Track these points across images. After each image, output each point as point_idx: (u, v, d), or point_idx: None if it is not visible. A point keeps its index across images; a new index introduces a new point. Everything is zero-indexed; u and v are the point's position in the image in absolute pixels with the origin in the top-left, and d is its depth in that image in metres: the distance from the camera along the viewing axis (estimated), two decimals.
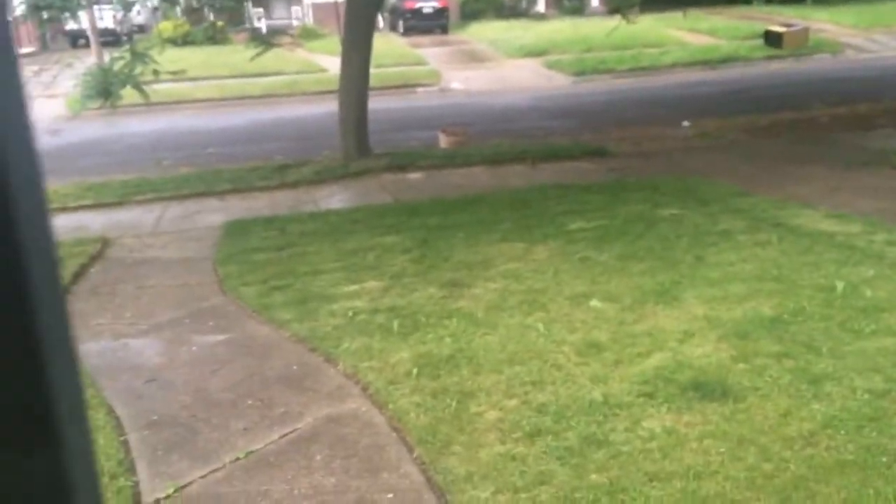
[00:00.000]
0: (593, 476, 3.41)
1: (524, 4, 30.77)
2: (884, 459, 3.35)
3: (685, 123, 12.59)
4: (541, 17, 29.58)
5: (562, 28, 25.79)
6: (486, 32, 26.76)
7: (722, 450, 3.52)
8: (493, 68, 22.23)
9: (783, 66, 20.03)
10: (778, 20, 23.78)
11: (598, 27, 23.39)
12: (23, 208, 0.40)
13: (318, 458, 3.76)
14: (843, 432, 3.56)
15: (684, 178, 8.80)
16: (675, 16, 23.78)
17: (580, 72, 20.24)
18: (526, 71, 21.40)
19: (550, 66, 21.32)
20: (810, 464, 3.36)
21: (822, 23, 24.19)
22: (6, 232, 0.40)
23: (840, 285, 5.19)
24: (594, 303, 5.29)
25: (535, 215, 7.57)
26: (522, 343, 4.75)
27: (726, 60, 20.87)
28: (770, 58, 20.97)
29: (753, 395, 3.95)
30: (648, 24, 22.27)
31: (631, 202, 7.82)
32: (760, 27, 22.92)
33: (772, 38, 21.79)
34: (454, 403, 4.10)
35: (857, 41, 22.50)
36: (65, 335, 0.43)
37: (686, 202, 7.67)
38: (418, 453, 3.71)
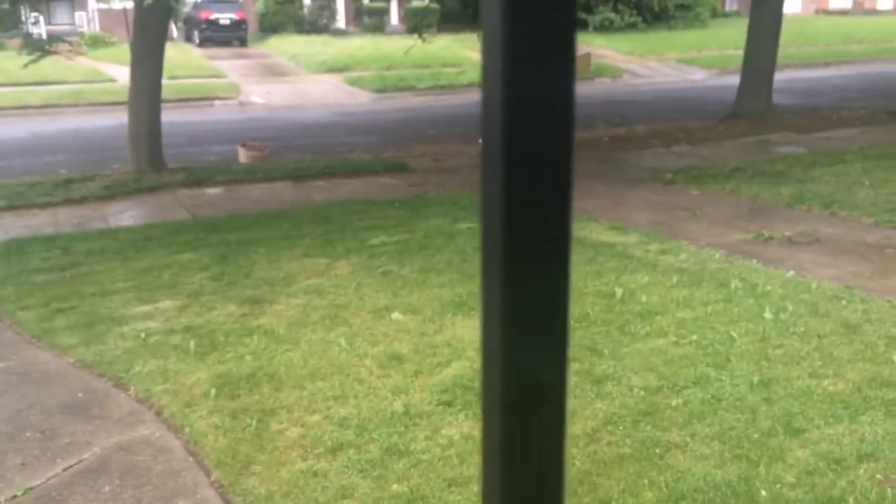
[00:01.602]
0: (395, 486, 3.47)
1: (324, 20, 30.76)
2: (657, 451, 3.66)
3: (481, 140, 13.09)
4: (341, 33, 29.68)
5: (363, 45, 26.01)
6: (287, 46, 26.47)
7: None
8: (295, 83, 22.04)
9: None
10: None
11: (399, 45, 23.81)
12: None
13: (107, 489, 3.55)
14: (621, 428, 3.85)
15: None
16: (471, 37, 24.68)
17: (381, 89, 20.52)
18: (327, 86, 21.40)
19: (352, 82, 21.45)
20: (593, 459, 3.61)
21: (603, 49, 26.05)
22: None
23: (619, 292, 5.61)
24: (396, 316, 5.38)
25: (338, 230, 7.59)
26: (325, 358, 4.75)
27: None
28: None
29: None
30: (446, 44, 22.97)
31: (431, 216, 8.02)
32: None
33: None
34: (254, 423, 4.02)
35: (633, 67, 24.45)
36: None
37: None
38: (216, 476, 3.61)
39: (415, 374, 4.50)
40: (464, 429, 3.90)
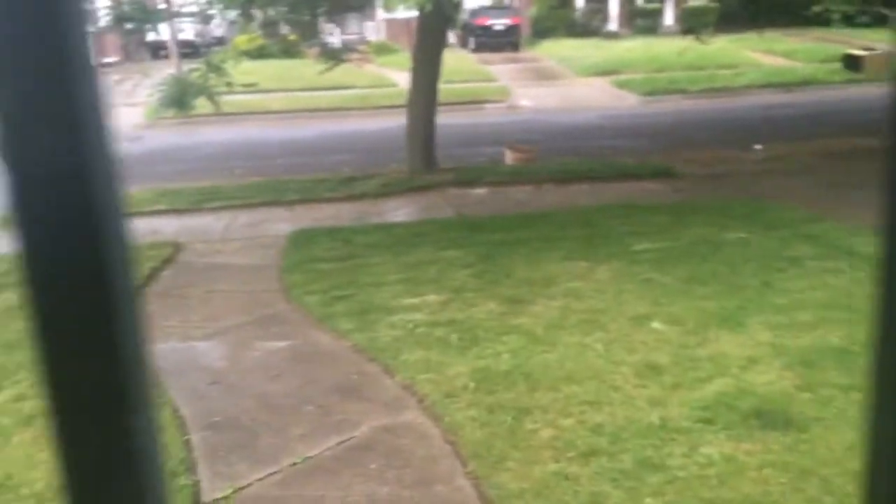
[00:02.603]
0: (648, 500, 3.37)
1: (596, 23, 30.65)
2: None
3: (757, 146, 12.36)
4: (613, 35, 29.40)
5: (634, 47, 25.59)
6: (558, 50, 26.72)
7: (782, 480, 3.44)
8: (563, 86, 22.19)
9: (863, 91, 19.50)
10: (858, 44, 23.17)
11: (671, 47, 23.13)
12: (101, 211, 0.44)
13: (373, 466, 3.81)
14: None
15: (753, 201, 8.64)
16: (751, 37, 23.37)
17: (651, 91, 20.04)
18: (596, 89, 21.31)
19: (621, 85, 21.17)
20: None
21: None
22: (87, 232, 0.44)
23: None
24: (656, 325, 5.23)
25: (600, 235, 7.53)
26: (580, 362, 4.73)
27: (803, 83, 20.41)
28: (849, 82, 20.42)
29: (818, 425, 3.86)
30: (722, 45, 21.94)
31: (697, 224, 7.71)
32: (839, 50, 22.36)
33: (851, 62, 21.23)
34: (509, 419, 4.10)
35: None
36: (135, 329, 0.47)
37: (754, 226, 7.52)
38: (472, 467, 3.73)
39: (673, 387, 4.34)
40: (724, 449, 3.70)
